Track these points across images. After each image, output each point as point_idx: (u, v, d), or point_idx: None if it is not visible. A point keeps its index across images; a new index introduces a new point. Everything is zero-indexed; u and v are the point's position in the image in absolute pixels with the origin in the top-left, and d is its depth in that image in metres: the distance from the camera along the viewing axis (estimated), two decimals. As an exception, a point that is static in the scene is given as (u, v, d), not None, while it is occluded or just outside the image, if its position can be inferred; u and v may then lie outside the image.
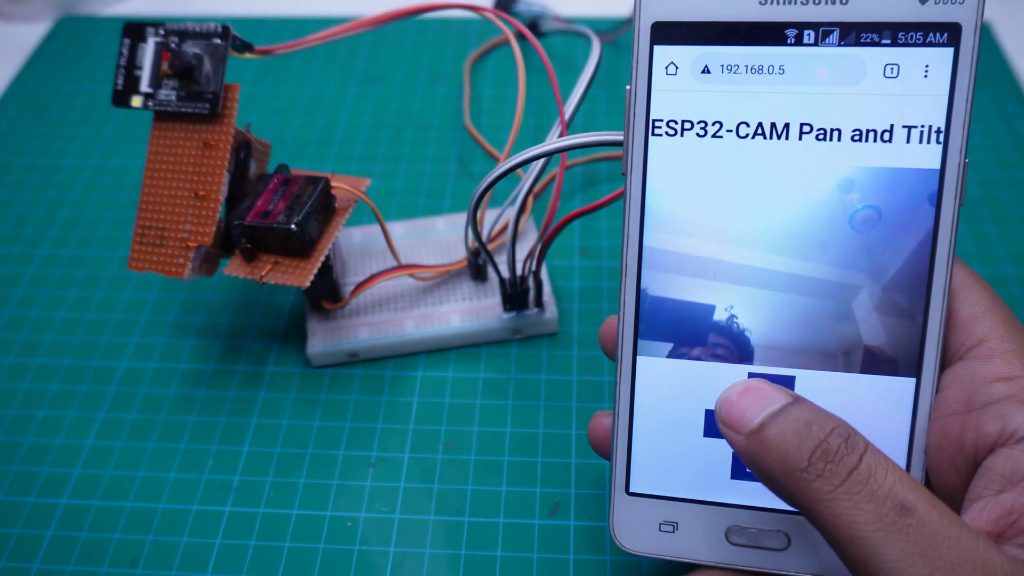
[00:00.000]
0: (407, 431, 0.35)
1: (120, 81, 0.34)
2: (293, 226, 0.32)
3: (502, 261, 0.37)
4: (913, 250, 0.24)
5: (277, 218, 0.32)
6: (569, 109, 0.33)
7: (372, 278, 0.37)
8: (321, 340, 0.37)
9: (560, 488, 0.33)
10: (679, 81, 0.24)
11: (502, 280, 0.36)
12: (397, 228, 0.41)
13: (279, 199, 0.33)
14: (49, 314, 0.40)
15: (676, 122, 0.24)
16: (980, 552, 0.19)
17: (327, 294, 0.37)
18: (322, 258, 0.33)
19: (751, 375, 0.25)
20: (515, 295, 0.37)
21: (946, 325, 0.24)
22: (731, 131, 0.24)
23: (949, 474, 0.23)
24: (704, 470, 0.25)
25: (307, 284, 0.33)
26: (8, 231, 0.44)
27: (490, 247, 0.37)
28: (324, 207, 0.34)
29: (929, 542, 0.19)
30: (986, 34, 0.53)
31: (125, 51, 0.34)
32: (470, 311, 0.38)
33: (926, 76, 0.23)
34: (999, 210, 0.43)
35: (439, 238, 0.41)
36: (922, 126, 0.23)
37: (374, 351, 0.37)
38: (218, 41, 0.33)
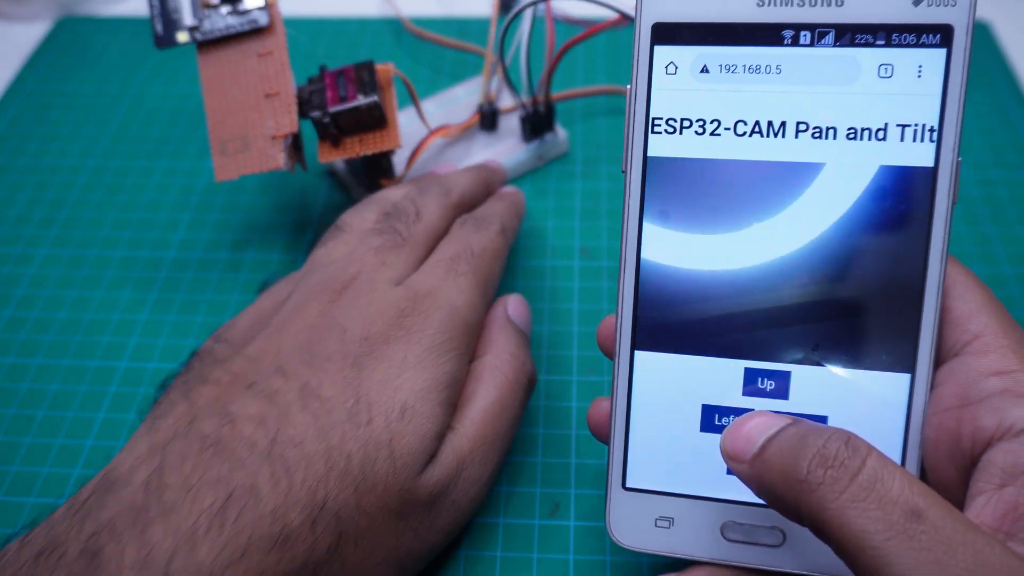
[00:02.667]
0: (407, 431, 0.35)
1: (159, 27, 0.37)
2: (376, 97, 0.37)
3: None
4: (908, 247, 0.24)
5: (356, 98, 0.37)
6: None
7: (420, 146, 0.42)
8: None
9: (560, 488, 0.33)
10: (678, 80, 0.25)
11: (525, 110, 0.43)
12: (427, 105, 0.47)
13: (345, 85, 0.37)
14: (49, 314, 0.40)
15: (675, 120, 0.25)
16: (997, 557, 0.18)
17: (383, 172, 0.41)
18: (400, 120, 0.38)
19: (747, 370, 0.25)
20: (536, 120, 0.43)
21: (941, 322, 0.24)
22: (729, 129, 0.25)
23: (947, 470, 0.23)
24: (701, 465, 0.26)
25: (400, 143, 0.38)
26: (8, 231, 0.44)
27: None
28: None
29: (944, 548, 0.18)
30: (986, 34, 0.53)
31: (155, 1, 0.38)
32: (498, 154, 0.44)
33: (919, 76, 0.23)
34: (999, 210, 0.43)
35: (463, 103, 0.47)
36: (916, 125, 0.24)
37: None
38: None
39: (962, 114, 0.23)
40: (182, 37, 0.37)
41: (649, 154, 0.25)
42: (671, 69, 0.25)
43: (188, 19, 0.37)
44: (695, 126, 0.25)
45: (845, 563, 0.20)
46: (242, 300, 0.40)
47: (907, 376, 0.24)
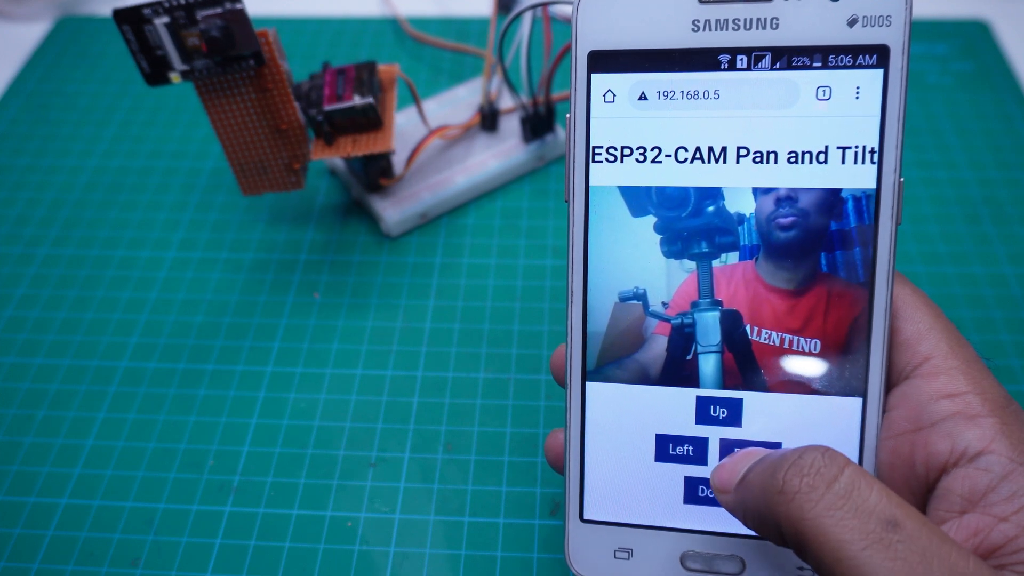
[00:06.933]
0: (407, 431, 0.35)
1: (144, 64, 0.35)
2: (371, 99, 0.37)
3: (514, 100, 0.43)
4: (854, 270, 0.24)
5: (352, 98, 0.37)
6: None
7: (419, 145, 0.42)
8: (393, 211, 0.42)
9: (560, 488, 0.33)
10: (617, 108, 0.24)
11: (525, 111, 0.43)
12: (430, 104, 0.47)
13: (343, 85, 0.37)
14: (49, 314, 0.40)
15: (616, 148, 0.25)
16: (971, 570, 0.18)
17: (382, 172, 0.42)
18: (395, 123, 0.38)
19: (699, 399, 0.25)
20: (536, 121, 0.44)
21: (891, 344, 0.24)
22: (670, 156, 0.24)
23: (903, 494, 0.23)
24: (657, 496, 0.25)
25: (393, 147, 0.38)
26: (8, 231, 0.44)
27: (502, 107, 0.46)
28: (378, 86, 0.39)
29: (919, 559, 0.18)
30: (986, 34, 0.53)
31: (131, 37, 0.34)
32: (498, 155, 0.45)
33: (858, 97, 0.23)
34: (999, 210, 0.43)
35: (464, 103, 0.48)
36: (856, 147, 0.23)
37: (439, 207, 0.43)
38: (231, 5, 0.34)
39: (902, 135, 0.23)
40: (175, 78, 0.35)
41: (591, 183, 0.25)
42: (609, 97, 0.24)
43: (178, 64, 0.35)
44: (635, 154, 0.25)
45: None
46: (242, 300, 0.40)
47: (859, 400, 0.24)
